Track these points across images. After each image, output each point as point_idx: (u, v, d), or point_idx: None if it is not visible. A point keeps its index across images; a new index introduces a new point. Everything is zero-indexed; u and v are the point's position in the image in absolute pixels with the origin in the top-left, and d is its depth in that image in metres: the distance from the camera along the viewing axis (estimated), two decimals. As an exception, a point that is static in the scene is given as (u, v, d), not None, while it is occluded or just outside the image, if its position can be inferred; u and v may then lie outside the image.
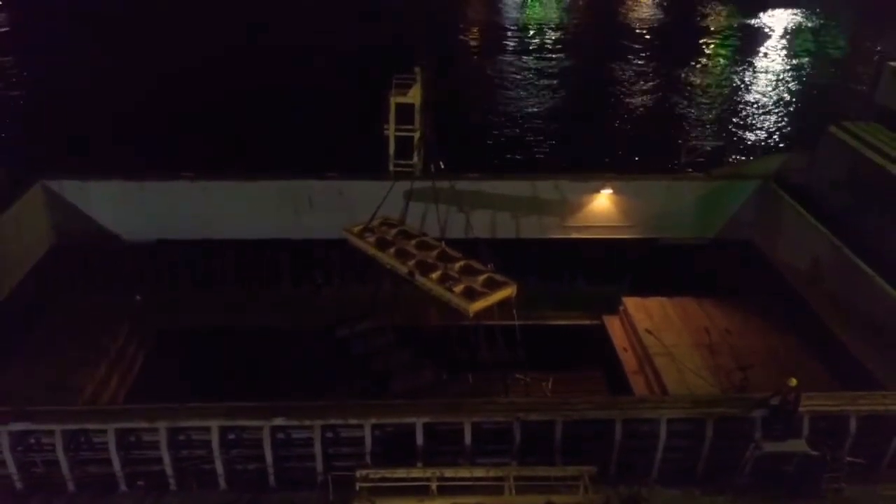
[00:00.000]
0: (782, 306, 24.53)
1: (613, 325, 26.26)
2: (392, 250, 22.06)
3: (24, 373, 21.35)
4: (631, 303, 25.96)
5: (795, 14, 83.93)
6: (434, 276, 20.74)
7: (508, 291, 20.73)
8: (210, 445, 15.17)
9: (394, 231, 23.11)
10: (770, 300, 25.11)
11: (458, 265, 21.41)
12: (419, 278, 20.93)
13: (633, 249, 26.54)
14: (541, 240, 26.10)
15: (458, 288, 20.20)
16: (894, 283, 19.74)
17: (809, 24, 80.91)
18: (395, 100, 24.13)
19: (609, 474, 15.39)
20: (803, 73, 63.80)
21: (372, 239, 22.67)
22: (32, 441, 15.16)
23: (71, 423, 15.03)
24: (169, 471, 15.23)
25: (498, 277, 20.98)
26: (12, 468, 14.95)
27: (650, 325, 24.87)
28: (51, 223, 24.89)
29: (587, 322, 26.25)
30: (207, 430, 15.08)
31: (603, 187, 25.80)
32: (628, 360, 24.72)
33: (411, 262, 21.40)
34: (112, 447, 14.93)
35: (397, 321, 24.35)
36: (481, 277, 20.78)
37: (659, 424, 15.55)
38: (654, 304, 25.85)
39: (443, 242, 22.42)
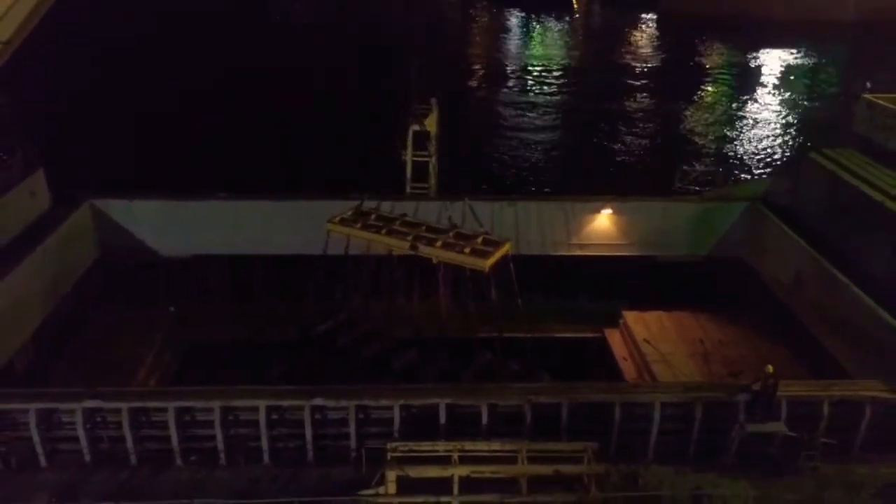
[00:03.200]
0: (771, 318, 26.13)
1: (614, 337, 27.87)
2: (383, 232, 23.38)
3: (67, 376, 23.11)
4: (630, 316, 27.59)
5: (791, 54, 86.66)
6: (437, 245, 22.38)
7: (507, 246, 22.79)
8: (256, 424, 16.96)
9: (373, 216, 24.31)
10: (760, 312, 26.74)
11: (451, 234, 23.07)
12: (424, 249, 22.46)
13: (631, 266, 28.05)
14: (545, 256, 27.56)
15: (466, 250, 22.03)
16: (869, 291, 21.51)
17: (804, 64, 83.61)
18: (412, 128, 26.38)
19: (609, 453, 17.00)
20: (793, 106, 66.63)
21: (358, 226, 23.87)
22: (99, 419, 17.03)
23: (136, 401, 16.95)
24: (220, 446, 16.98)
25: (492, 237, 22.85)
26: (83, 442, 16.75)
27: (648, 336, 26.65)
28: (96, 239, 26.80)
29: (589, 335, 27.86)
30: (255, 409, 16.91)
31: (603, 207, 27.51)
32: (628, 368, 26.34)
33: (409, 238, 22.81)
34: (171, 424, 16.73)
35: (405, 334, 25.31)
36: (479, 239, 22.66)
37: (653, 408, 17.31)
38: (652, 317, 27.50)
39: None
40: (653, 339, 26.38)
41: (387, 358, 23.78)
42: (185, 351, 26.40)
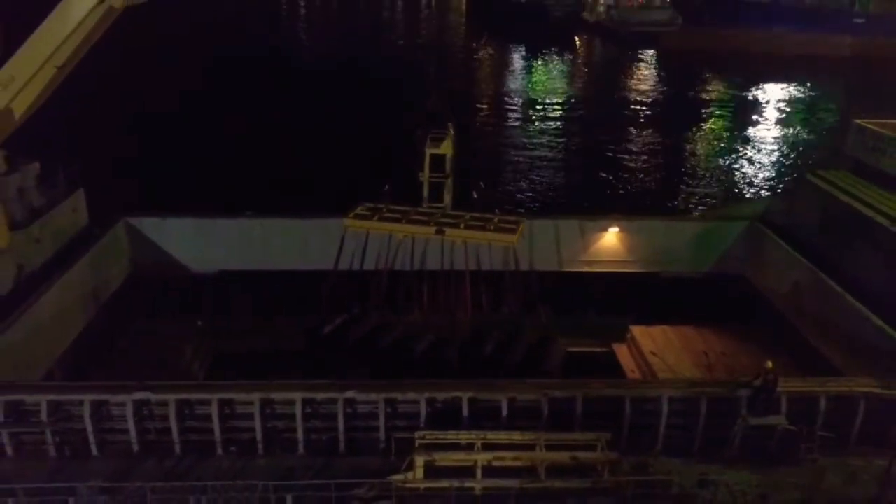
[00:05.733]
0: (772, 330, 27.33)
1: (622, 351, 28.99)
2: (403, 221, 24.37)
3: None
4: (637, 331, 28.82)
5: (788, 87, 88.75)
6: (461, 227, 23.59)
7: (522, 224, 24.50)
8: (293, 416, 18.17)
9: (385, 210, 25.23)
10: (760, 326, 27.97)
11: (467, 217, 24.26)
12: (450, 232, 23.62)
13: (637, 282, 29.40)
14: (555, 272, 28.81)
15: (491, 228, 23.40)
16: (863, 300, 22.95)
17: (801, 97, 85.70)
18: (429, 151, 27.67)
19: (620, 446, 18.05)
20: (790, 134, 68.96)
21: (375, 219, 24.74)
22: (146, 412, 18.29)
23: (183, 393, 18.22)
24: (258, 437, 18.20)
25: (507, 217, 24.23)
26: (133, 433, 17.98)
27: (655, 349, 27.93)
28: (130, 255, 28.35)
29: (598, 349, 28.99)
30: (292, 402, 18.17)
31: (610, 226, 29.01)
32: (635, 378, 27.64)
33: (430, 225, 23.81)
34: (214, 415, 17.97)
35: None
36: (496, 219, 24.07)
37: (661, 402, 18.52)
38: (658, 331, 28.77)
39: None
40: (659, 352, 27.58)
41: (405, 345, 24.63)
42: (210, 362, 27.59)
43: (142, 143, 52.58)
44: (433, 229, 23.92)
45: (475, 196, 25.81)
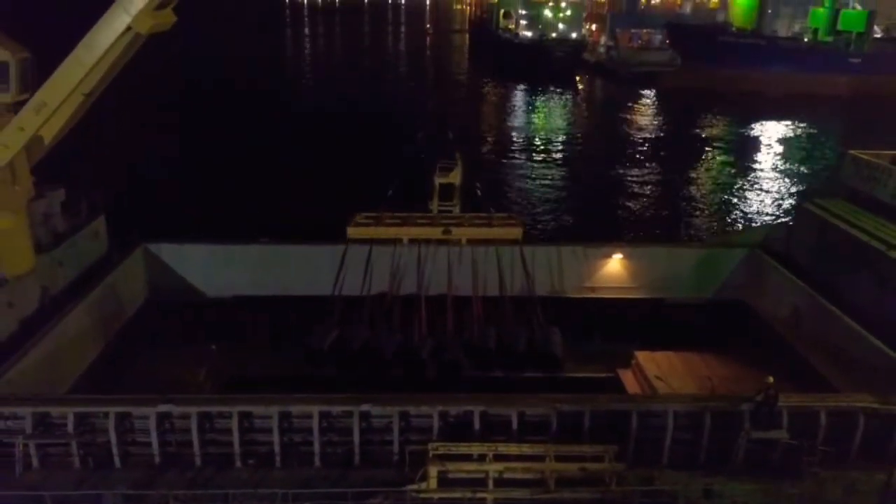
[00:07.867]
0: (773, 354, 27.70)
1: (627, 377, 29.36)
2: (408, 226, 25.10)
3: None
4: (642, 356, 29.25)
5: (787, 125, 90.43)
6: (466, 226, 24.34)
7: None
8: (310, 429, 18.75)
9: (386, 219, 25.78)
10: (762, 350, 28.39)
11: (467, 216, 25.08)
12: (456, 230, 24.44)
13: (641, 309, 30.05)
14: (560, 298, 29.49)
15: (495, 224, 24.40)
16: (860, 321, 23.62)
17: (799, 133, 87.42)
18: (438, 180, 28.66)
19: (627, 459, 18.52)
20: (788, 167, 70.58)
21: (378, 226, 25.30)
22: (168, 425, 18.87)
23: (204, 406, 18.82)
24: (276, 449, 18.75)
25: (502, 215, 25.52)
26: (155, 445, 18.54)
27: (659, 374, 28.44)
28: (148, 280, 29.15)
29: (603, 375, 29.31)
30: (309, 416, 18.74)
31: (614, 253, 29.76)
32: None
33: (436, 226, 24.55)
34: (234, 428, 18.54)
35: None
36: (495, 218, 25.03)
37: (666, 416, 19.07)
38: (662, 357, 29.18)
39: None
40: (663, 377, 28.06)
41: (410, 351, 25.18)
42: (222, 385, 28.05)
43: (159, 170, 54.02)
44: (439, 230, 24.55)
45: (479, 194, 26.60)
